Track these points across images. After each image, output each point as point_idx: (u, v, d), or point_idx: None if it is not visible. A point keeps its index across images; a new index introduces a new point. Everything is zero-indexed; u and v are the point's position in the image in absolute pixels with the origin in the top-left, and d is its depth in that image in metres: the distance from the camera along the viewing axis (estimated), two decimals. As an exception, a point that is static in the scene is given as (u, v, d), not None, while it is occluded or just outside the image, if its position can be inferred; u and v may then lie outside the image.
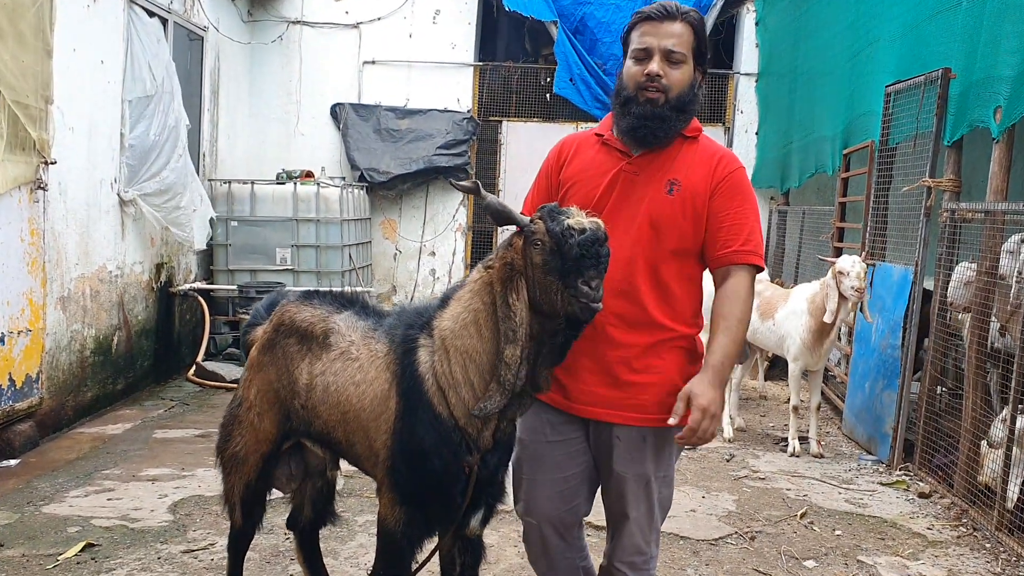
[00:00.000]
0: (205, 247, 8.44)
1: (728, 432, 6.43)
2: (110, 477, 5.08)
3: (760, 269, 2.56)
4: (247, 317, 3.42)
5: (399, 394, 2.60)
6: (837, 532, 4.64)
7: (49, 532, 4.22)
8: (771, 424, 7.03)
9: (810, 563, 4.21)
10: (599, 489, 2.77)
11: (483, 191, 2.35)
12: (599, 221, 2.31)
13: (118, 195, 7.00)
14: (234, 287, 8.26)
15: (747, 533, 4.55)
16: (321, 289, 3.14)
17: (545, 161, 2.79)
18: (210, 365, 7.75)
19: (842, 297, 5.70)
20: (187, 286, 8.30)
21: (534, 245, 2.30)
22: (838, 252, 8.02)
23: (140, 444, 5.78)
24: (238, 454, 3.13)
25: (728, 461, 5.88)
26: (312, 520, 3.37)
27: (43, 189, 5.72)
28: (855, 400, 6.51)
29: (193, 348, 8.32)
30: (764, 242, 9.73)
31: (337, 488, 3.41)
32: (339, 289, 3.11)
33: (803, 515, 4.85)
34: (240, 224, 8.67)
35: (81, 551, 4.00)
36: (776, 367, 8.72)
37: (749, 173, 10.52)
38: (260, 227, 8.65)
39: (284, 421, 3.00)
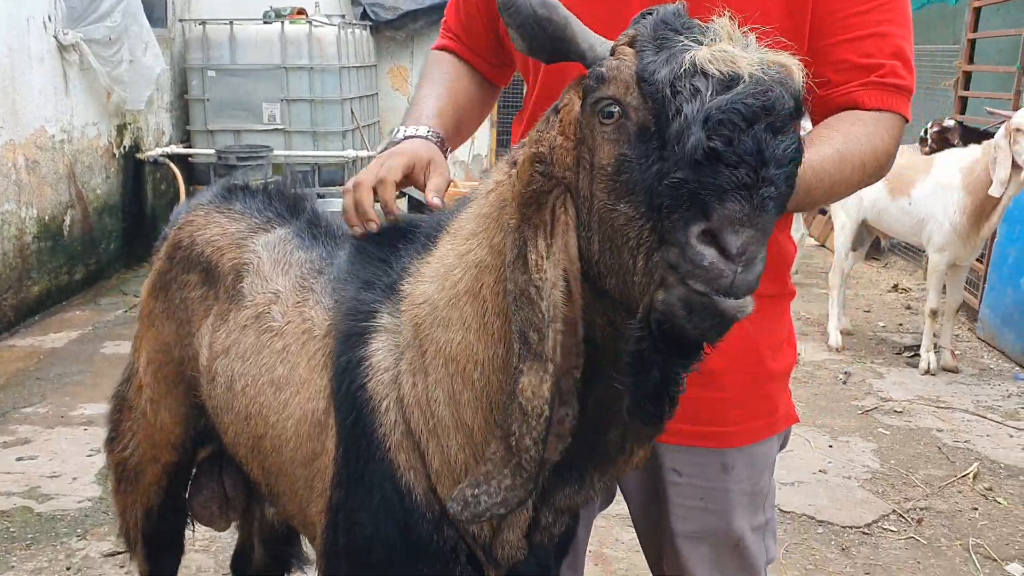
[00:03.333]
0: (143, 106, 6.73)
1: (835, 339, 5.03)
2: (31, 419, 3.79)
3: (906, 120, 1.36)
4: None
5: (338, 428, 1.22)
6: (1034, 507, 3.31)
7: (-86, 524, 2.96)
8: (881, 323, 5.61)
9: (1016, 567, 2.90)
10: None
11: None
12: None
13: (55, 38, 5.53)
14: (212, 152, 6.78)
15: (908, 511, 3.22)
16: (252, 182, 1.67)
17: None
18: (187, 248, 6.39)
19: (1016, 166, 4.15)
20: (158, 151, 6.93)
21: (603, 116, 0.94)
22: (963, 103, 6.42)
23: (83, 363, 4.48)
24: (127, 462, 1.82)
25: (845, 383, 4.51)
26: (266, 564, 2.06)
27: (-72, 26, 4.25)
28: (1001, 298, 5.07)
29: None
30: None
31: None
32: (285, 182, 1.52)
33: (975, 477, 3.51)
34: (219, 74, 7.18)
35: (-48, 559, 2.76)
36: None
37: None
38: (243, 77, 7.16)
39: (193, 414, 1.68)
